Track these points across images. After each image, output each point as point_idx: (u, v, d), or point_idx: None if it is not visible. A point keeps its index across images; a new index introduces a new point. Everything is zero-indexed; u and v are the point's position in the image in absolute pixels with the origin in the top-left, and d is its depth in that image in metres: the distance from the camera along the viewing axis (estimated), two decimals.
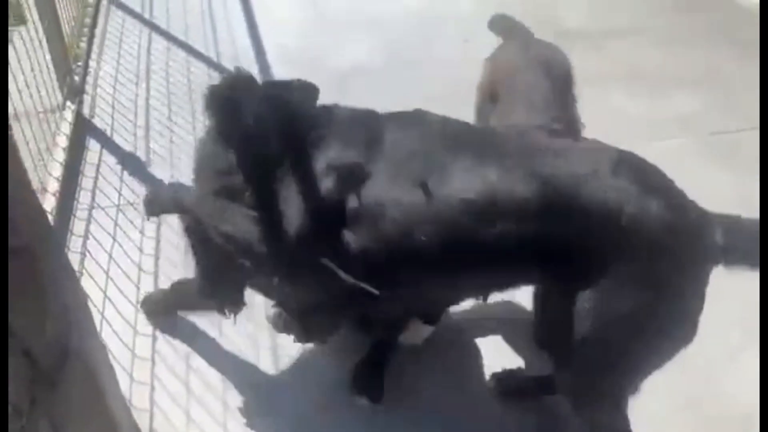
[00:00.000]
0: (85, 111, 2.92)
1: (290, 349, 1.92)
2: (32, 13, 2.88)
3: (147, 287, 2.13)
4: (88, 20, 3.52)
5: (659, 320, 1.31)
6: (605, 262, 1.29)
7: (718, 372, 1.91)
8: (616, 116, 3.17)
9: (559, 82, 1.97)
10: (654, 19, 4.18)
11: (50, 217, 2.15)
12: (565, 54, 2.16)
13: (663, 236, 1.27)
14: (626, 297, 1.29)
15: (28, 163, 2.06)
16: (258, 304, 1.87)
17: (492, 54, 2.23)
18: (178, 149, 2.75)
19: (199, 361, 1.92)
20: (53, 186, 2.28)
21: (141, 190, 2.50)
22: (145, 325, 2.01)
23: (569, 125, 1.90)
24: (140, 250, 2.26)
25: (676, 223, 1.29)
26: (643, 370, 1.41)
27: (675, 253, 1.28)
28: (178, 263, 2.20)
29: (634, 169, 1.35)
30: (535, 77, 1.94)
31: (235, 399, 1.82)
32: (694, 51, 3.62)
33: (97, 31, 3.52)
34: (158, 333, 1.99)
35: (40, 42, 2.66)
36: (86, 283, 2.09)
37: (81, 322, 1.19)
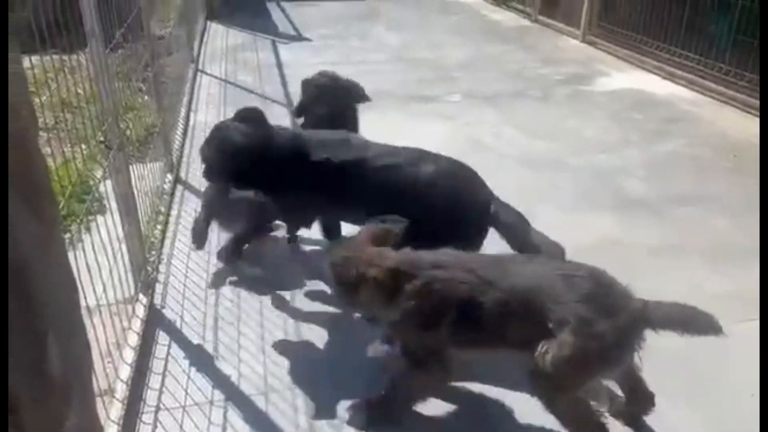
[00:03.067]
0: (157, 300, 2.94)
1: None
2: (111, 203, 3.02)
3: None
4: (163, 208, 3.68)
5: None
6: None
7: None
8: (696, 294, 3.00)
9: None
10: (711, 184, 4.12)
11: (116, 427, 2.07)
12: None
13: None
14: None
15: (97, 364, 2.03)
16: None
17: None
18: (246, 339, 2.71)
19: None
20: (121, 391, 2.23)
21: (207, 388, 2.43)
22: None
23: None
24: None
25: None
26: None
27: None
28: None
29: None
30: None
31: None
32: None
33: (171, 218, 3.66)
34: None
35: (117, 234, 2.75)
36: None
37: None
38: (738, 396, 2.37)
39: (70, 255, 1.18)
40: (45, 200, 0.98)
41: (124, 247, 2.83)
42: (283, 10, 9.67)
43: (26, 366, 0.91)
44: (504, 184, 4.14)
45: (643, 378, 2.20)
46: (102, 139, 2.55)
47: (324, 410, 2.32)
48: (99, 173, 2.70)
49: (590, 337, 1.86)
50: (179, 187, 4.04)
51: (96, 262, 2.41)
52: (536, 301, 1.93)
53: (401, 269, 2.03)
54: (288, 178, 2.70)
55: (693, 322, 1.95)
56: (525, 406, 2.21)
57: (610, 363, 1.98)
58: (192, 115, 5.29)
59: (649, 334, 1.99)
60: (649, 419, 2.26)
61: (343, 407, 2.32)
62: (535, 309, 1.92)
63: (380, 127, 4.75)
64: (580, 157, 4.51)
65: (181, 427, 2.25)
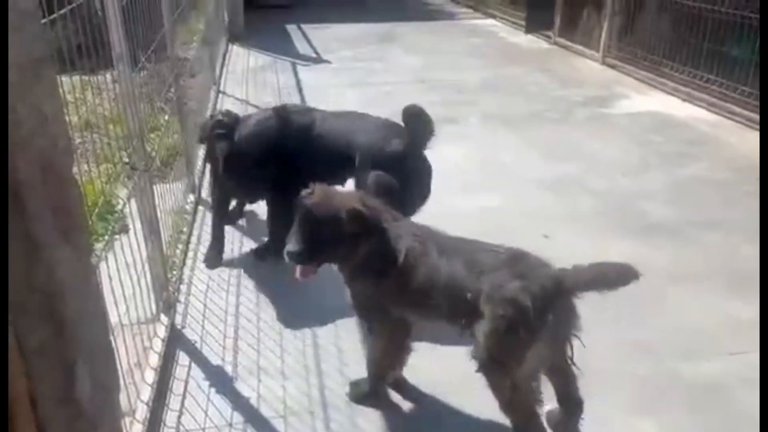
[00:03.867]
0: (177, 321, 2.96)
1: None
2: (134, 222, 3.05)
3: None
4: (185, 228, 3.71)
5: None
6: None
7: None
8: (718, 319, 2.97)
9: None
10: (734, 208, 4.07)
11: None
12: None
13: None
14: None
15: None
16: None
17: None
18: (265, 361, 2.71)
19: None
20: (142, 412, 2.23)
21: (226, 410, 2.43)
22: None
23: None
24: None
25: None
26: None
27: None
28: None
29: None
30: None
31: None
32: None
33: (193, 238, 3.70)
34: None
35: (141, 254, 2.77)
36: None
37: None
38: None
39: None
40: (78, 228, 0.99)
41: (146, 267, 2.86)
42: (303, 33, 9.80)
43: (56, 392, 0.92)
44: (524, 207, 4.16)
45: (577, 382, 2.21)
46: (127, 160, 2.59)
47: None
48: (123, 193, 2.74)
49: (506, 301, 1.94)
50: (200, 208, 4.08)
51: (119, 281, 2.44)
52: (460, 271, 2.08)
53: (366, 215, 2.19)
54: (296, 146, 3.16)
55: (609, 275, 2.00)
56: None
57: (533, 328, 1.96)
58: None
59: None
60: None
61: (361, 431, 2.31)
62: (458, 279, 2.07)
63: None
64: (601, 180, 4.49)
65: None
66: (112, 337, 2.25)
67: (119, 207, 2.61)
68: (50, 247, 0.87)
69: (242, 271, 3.39)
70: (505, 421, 2.14)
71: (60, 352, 0.89)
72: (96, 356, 1.00)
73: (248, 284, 3.27)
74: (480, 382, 2.09)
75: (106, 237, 2.57)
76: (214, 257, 3.45)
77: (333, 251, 2.25)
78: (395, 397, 2.49)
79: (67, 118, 2.28)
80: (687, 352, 2.76)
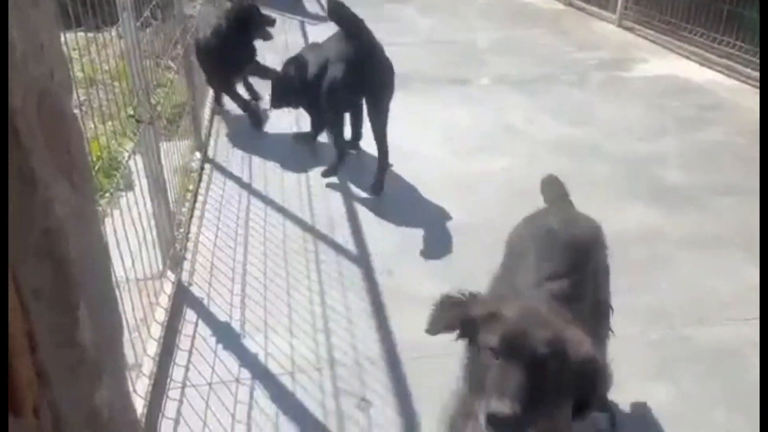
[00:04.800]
0: (184, 277, 2.94)
1: None
2: (140, 179, 3.01)
3: None
4: (191, 186, 3.67)
5: None
6: None
7: None
8: (734, 284, 2.92)
9: (573, 260, 1.86)
10: (750, 173, 3.97)
11: (142, 402, 2.06)
12: (596, 231, 2.05)
13: None
14: None
15: (124, 338, 2.02)
16: None
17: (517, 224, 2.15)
18: (273, 319, 2.69)
19: None
20: (148, 366, 2.22)
21: (233, 366, 2.42)
22: None
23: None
24: None
25: None
26: None
27: None
28: None
29: None
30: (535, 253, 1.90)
31: None
32: None
33: (200, 197, 3.65)
34: None
35: (146, 210, 2.74)
36: None
37: None
38: None
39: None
40: (78, 168, 0.94)
41: (152, 223, 2.82)
42: None
43: (57, 334, 0.88)
44: (535, 171, 4.07)
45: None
46: (132, 113, 2.53)
47: (349, 393, 2.29)
48: (128, 147, 2.68)
49: None
50: (207, 166, 4.03)
51: (125, 237, 2.41)
52: None
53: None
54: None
55: None
56: None
57: None
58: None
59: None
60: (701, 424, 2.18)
61: (370, 389, 2.29)
62: None
63: (407, 109, 4.70)
64: (616, 145, 4.39)
65: (207, 404, 2.24)
66: (117, 291, 2.24)
67: (124, 159, 2.55)
68: (47, 184, 0.82)
69: (250, 229, 3.36)
70: None
71: (60, 294, 0.85)
72: (98, 301, 0.96)
73: (256, 243, 3.23)
74: None
75: (111, 191, 2.52)
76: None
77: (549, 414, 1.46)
78: (404, 355, 2.46)
79: (71, 74, 2.23)
80: (700, 318, 2.72)
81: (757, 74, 5.55)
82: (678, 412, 2.25)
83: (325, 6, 8.48)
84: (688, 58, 6.30)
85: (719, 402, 2.26)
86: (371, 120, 3.74)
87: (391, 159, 3.82)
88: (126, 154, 2.54)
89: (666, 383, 2.36)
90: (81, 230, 0.91)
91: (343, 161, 3.87)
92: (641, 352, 2.51)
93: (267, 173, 3.93)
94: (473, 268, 3.02)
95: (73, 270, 0.86)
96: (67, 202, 0.84)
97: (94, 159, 2.24)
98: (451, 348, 2.49)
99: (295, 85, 4.08)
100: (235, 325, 2.64)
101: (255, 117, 4.62)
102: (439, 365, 2.44)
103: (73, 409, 0.93)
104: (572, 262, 1.84)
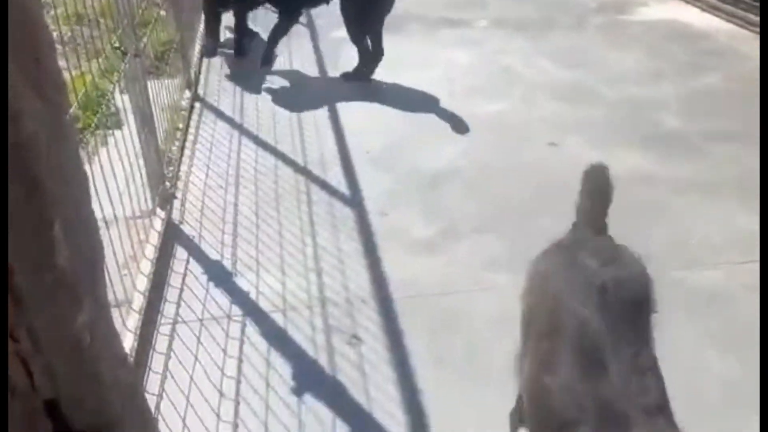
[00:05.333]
0: (174, 216, 2.91)
1: None
2: (128, 117, 2.94)
3: (226, 415, 1.98)
4: (181, 125, 3.60)
5: None
6: None
7: None
8: (728, 230, 2.92)
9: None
10: (747, 120, 3.92)
11: (132, 336, 2.06)
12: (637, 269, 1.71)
13: None
14: None
15: (114, 275, 2.01)
16: None
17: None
18: (264, 258, 2.67)
19: None
20: (138, 302, 2.21)
21: (225, 303, 2.41)
22: None
23: None
24: (222, 371, 2.13)
25: None
26: None
27: None
28: (259, 388, 2.06)
29: None
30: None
31: None
32: None
33: (190, 135, 3.59)
34: None
35: (135, 147, 2.68)
36: (165, 409, 1.97)
37: None
38: None
39: (86, 168, 1.11)
40: (51, 83, 0.89)
41: (141, 161, 2.77)
42: None
43: (33, 256, 0.85)
44: (532, 115, 4.02)
45: None
46: (117, 44, 2.45)
47: (340, 330, 2.30)
48: (115, 78, 2.61)
49: None
50: (197, 105, 3.95)
51: (113, 175, 2.36)
52: None
53: None
54: None
55: None
56: None
57: None
58: None
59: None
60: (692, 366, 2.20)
61: (361, 327, 2.30)
62: None
63: (405, 51, 4.60)
64: (613, 89, 4.32)
65: (198, 339, 2.25)
66: (104, 228, 2.21)
67: (110, 92, 2.48)
68: (16, 96, 0.77)
69: (240, 169, 3.31)
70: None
71: (34, 212, 0.81)
72: (76, 222, 0.93)
73: (247, 183, 3.19)
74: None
75: (97, 124, 2.46)
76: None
77: None
78: (396, 294, 2.46)
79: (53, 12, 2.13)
80: (691, 262, 2.71)
81: (757, 19, 5.43)
82: (669, 353, 2.27)
83: None
84: (689, 2, 6.14)
85: (711, 344, 2.28)
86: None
87: (386, 101, 3.75)
88: (111, 86, 2.46)
89: (656, 325, 2.37)
90: (56, 148, 0.87)
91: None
92: None
93: (259, 112, 3.86)
94: (465, 210, 3.02)
95: (45, 187, 0.82)
96: (36, 115, 0.80)
97: (81, 95, 2.17)
98: (442, 287, 2.52)
99: None
100: (227, 263, 2.63)
101: (239, 46, 4.68)
102: (431, 304, 2.46)
103: (53, 333, 0.91)
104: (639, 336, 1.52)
